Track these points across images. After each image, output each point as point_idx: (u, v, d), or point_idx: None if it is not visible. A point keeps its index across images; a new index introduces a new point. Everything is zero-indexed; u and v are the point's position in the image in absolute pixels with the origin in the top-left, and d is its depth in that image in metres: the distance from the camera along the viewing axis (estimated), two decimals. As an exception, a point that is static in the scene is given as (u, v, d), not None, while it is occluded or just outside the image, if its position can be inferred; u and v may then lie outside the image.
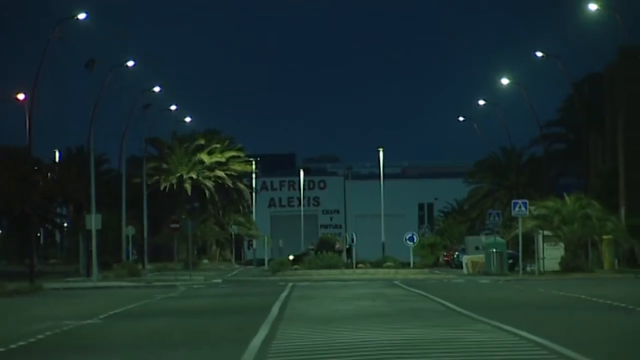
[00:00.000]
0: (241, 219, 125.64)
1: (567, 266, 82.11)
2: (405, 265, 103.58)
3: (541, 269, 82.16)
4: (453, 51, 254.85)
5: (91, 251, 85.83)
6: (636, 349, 24.84)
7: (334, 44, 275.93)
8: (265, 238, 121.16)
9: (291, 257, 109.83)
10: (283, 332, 30.72)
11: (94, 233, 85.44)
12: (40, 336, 31.00)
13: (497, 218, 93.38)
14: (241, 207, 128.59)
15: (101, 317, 39.21)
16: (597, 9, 77.97)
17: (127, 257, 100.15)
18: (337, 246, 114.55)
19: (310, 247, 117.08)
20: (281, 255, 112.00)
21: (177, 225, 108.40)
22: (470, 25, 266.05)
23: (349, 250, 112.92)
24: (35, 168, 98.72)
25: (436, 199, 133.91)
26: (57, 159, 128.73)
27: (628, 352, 23.94)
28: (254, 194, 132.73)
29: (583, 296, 47.75)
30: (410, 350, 24.78)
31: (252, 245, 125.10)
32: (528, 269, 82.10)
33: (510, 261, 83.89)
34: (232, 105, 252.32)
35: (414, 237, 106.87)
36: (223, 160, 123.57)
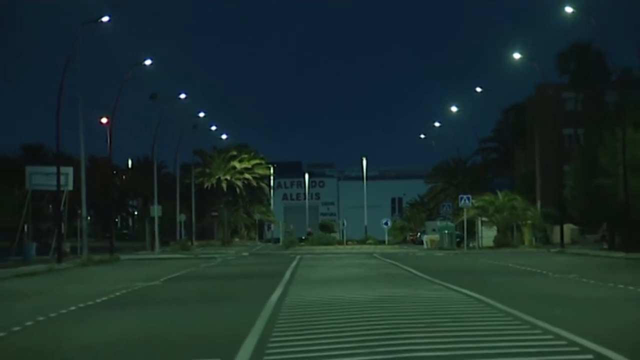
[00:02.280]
0: (263, 209, 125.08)
1: (499, 243, 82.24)
2: (382, 242, 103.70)
3: (480, 245, 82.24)
4: (419, 85, 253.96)
5: (154, 232, 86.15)
6: (540, 301, 24.83)
7: (329, 73, 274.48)
8: (280, 223, 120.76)
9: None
10: (293, 291, 30.64)
11: (156, 219, 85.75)
12: (118, 293, 30.99)
13: (448, 208, 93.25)
14: (263, 200, 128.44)
15: (161, 279, 39.16)
16: (521, 57, 77.93)
17: (180, 236, 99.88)
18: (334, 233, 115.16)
19: (308, 230, 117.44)
20: (292, 235, 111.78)
21: (216, 214, 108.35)
22: (428, 66, 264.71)
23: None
24: (114, 172, 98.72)
25: (404, 194, 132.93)
26: (129, 165, 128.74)
27: (535, 303, 23.95)
28: (271, 191, 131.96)
29: (510, 264, 47.66)
30: (385, 303, 24.72)
31: (270, 228, 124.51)
32: (471, 245, 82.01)
33: (458, 239, 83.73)
34: (255, 123, 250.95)
35: (388, 222, 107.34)
36: (249, 166, 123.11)
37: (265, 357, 15.02)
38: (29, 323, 21.52)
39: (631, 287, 29.58)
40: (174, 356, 15.33)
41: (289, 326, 19.62)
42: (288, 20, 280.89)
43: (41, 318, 22.64)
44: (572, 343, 16.01)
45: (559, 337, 16.90)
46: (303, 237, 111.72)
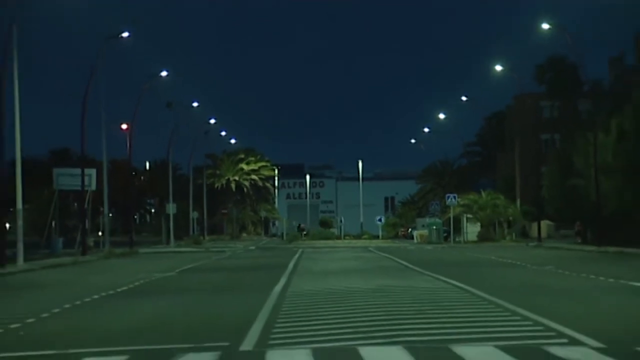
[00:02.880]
0: (268, 207, 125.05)
1: (482, 237, 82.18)
2: (376, 237, 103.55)
3: (465, 240, 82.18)
4: (412, 92, 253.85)
5: (169, 228, 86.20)
6: (520, 291, 24.81)
7: (329, 81, 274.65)
8: (284, 219, 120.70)
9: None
10: (296, 281, 30.64)
11: (171, 216, 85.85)
12: (137, 283, 31.00)
13: (436, 206, 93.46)
14: (268, 199, 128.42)
15: (176, 271, 39.16)
16: (502, 69, 77.96)
17: (193, 232, 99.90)
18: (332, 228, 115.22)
19: (302, 226, 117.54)
20: (294, 231, 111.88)
21: (225, 211, 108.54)
22: (420, 74, 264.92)
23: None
24: (133, 174, 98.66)
25: (397, 193, 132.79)
26: (147, 167, 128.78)
27: (515, 292, 23.96)
28: (276, 191, 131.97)
29: (492, 257, 47.70)
30: (380, 292, 24.73)
31: (275, 224, 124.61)
32: (457, 239, 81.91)
33: (445, 234, 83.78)
34: (260, 127, 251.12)
35: (382, 219, 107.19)
36: (256, 168, 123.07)
37: (271, 342, 15.04)
38: (55, 310, 21.54)
39: (602, 278, 29.63)
40: (188, 340, 15.35)
41: (292, 313, 19.64)
42: (291, 35, 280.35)
43: (67, 306, 22.67)
44: (548, 329, 16.05)
45: (537, 323, 16.94)
46: (305, 232, 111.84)
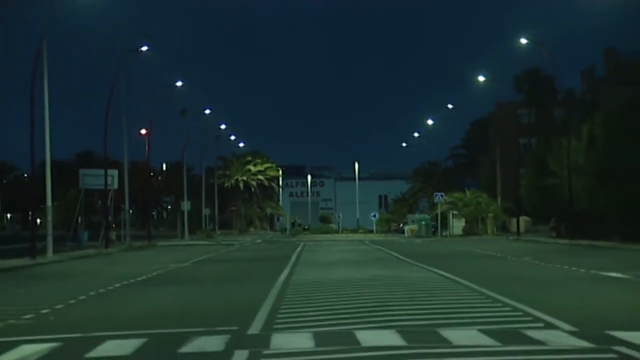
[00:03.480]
0: (273, 204, 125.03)
1: (467, 232, 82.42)
2: (370, 231, 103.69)
3: (451, 234, 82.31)
4: (405, 98, 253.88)
5: (184, 223, 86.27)
6: (501, 280, 24.84)
7: (328, 88, 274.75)
8: (287, 215, 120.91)
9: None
10: (298, 271, 30.67)
11: (186, 212, 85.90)
12: (155, 273, 31.02)
13: (425, 203, 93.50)
14: (273, 197, 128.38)
15: (190, 262, 39.17)
16: (484, 80, 78.01)
17: (205, 227, 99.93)
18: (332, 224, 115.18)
19: (292, 220, 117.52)
20: (297, 226, 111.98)
21: (235, 208, 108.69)
22: (412, 83, 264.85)
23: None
24: (152, 174, 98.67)
25: (389, 192, 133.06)
26: (163, 168, 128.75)
27: (496, 281, 23.96)
28: (280, 189, 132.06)
29: (476, 250, 47.71)
30: (374, 282, 24.74)
31: (279, 219, 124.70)
32: (443, 233, 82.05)
33: (433, 229, 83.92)
34: (266, 130, 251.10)
35: (376, 215, 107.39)
36: (262, 169, 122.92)
37: (275, 326, 15.04)
38: (81, 297, 21.56)
39: (574, 268, 29.66)
40: (201, 325, 15.36)
41: (295, 301, 19.64)
42: (294, 49, 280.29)
43: (92, 293, 22.68)
44: (526, 314, 16.06)
45: (516, 309, 16.95)
46: (306, 227, 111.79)
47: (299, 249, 53.99)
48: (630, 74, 59.27)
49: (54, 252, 44.25)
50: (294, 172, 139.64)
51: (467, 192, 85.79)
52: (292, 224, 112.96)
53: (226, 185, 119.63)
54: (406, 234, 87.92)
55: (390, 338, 13.19)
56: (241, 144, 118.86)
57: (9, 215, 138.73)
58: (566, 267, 30.71)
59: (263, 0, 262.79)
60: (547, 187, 63.88)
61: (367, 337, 13.27)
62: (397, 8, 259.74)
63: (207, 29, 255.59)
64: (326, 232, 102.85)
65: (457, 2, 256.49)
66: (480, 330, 13.87)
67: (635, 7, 42.29)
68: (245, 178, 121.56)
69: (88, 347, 12.92)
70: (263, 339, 13.36)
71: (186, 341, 13.25)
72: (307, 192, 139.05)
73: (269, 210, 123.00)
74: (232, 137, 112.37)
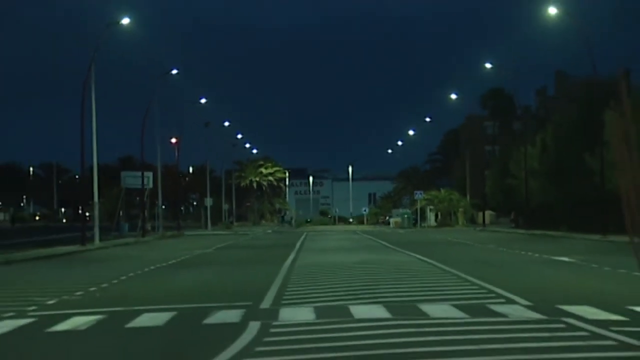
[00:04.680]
0: (281, 201, 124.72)
1: (441, 223, 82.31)
2: (362, 223, 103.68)
3: (428, 225, 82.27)
4: (392, 110, 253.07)
5: (207, 216, 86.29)
6: (469, 263, 24.82)
7: (328, 105, 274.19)
8: (293, 210, 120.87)
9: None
10: (301, 256, 30.62)
11: (208, 207, 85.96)
12: (183, 257, 30.96)
13: (407, 200, 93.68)
14: (280, 195, 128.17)
15: (213, 248, 39.11)
16: (456, 97, 77.96)
17: (225, 219, 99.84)
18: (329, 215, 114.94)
19: (285, 215, 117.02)
20: (300, 218, 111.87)
21: (249, 204, 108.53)
22: (398, 96, 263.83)
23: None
24: (180, 175, 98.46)
25: (378, 190, 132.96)
26: (190, 171, 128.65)
27: (465, 264, 23.96)
28: (287, 188, 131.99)
29: (449, 238, 47.69)
30: (364, 265, 24.68)
31: (286, 213, 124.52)
32: (422, 225, 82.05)
33: (413, 221, 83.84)
34: (276, 139, 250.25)
35: (367, 209, 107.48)
36: (272, 171, 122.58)
37: (283, 302, 15.01)
38: (122, 277, 21.54)
39: (530, 253, 29.65)
40: (221, 300, 15.34)
41: (299, 280, 19.63)
42: (296, 72, 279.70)
43: (131, 274, 22.66)
44: (490, 292, 16.04)
45: (482, 287, 16.93)
46: (308, 220, 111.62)
47: (302, 237, 53.86)
48: (576, 93, 59.25)
49: (100, 240, 44.21)
50: (298, 174, 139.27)
51: (442, 191, 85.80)
52: (283, 218, 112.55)
53: (242, 185, 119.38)
54: (391, 225, 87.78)
55: (378, 311, 13.17)
56: (254, 151, 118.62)
57: (63, 209, 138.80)
58: (523, 252, 30.71)
59: (272, 36, 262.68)
60: (508, 186, 63.97)
61: (359, 311, 13.26)
62: (388, 40, 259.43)
63: (227, 55, 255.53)
64: (325, 224, 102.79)
65: (435, 35, 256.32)
66: (452, 304, 13.85)
67: (581, 36, 42.46)
68: (257, 179, 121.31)
69: (128, 319, 12.91)
70: (273, 312, 13.34)
71: (209, 314, 13.23)
72: (309, 190, 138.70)
73: (277, 206, 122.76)
74: (247, 145, 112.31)
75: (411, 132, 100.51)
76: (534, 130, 64.83)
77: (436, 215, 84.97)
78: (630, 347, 9.22)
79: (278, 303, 14.77)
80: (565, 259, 26.27)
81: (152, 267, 25.37)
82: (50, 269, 26.39)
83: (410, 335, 10.51)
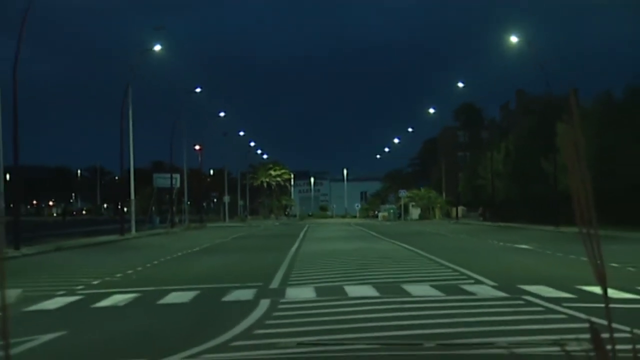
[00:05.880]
0: (287, 198, 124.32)
1: (422, 217, 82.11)
2: (354, 217, 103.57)
3: (411, 219, 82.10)
4: (381, 120, 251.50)
5: (225, 211, 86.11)
6: (444, 250, 24.78)
7: (327, 117, 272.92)
8: (297, 206, 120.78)
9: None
10: (304, 244, 30.65)
11: (226, 204, 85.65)
12: (205, 245, 30.90)
13: (393, 198, 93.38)
14: (287, 193, 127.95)
15: (230, 238, 39.03)
16: (434, 112, 77.99)
17: (240, 213, 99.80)
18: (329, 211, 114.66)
19: (290, 210, 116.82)
20: (303, 213, 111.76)
21: (260, 201, 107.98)
22: (387, 108, 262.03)
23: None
24: (203, 177, 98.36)
25: (368, 190, 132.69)
26: (211, 173, 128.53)
27: (441, 251, 23.94)
28: (292, 188, 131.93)
29: (427, 229, 47.60)
30: (357, 251, 24.64)
31: (291, 209, 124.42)
32: (405, 218, 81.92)
33: (398, 215, 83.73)
34: (283, 145, 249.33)
35: (359, 205, 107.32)
36: (279, 173, 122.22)
37: (289, 282, 15.01)
38: (155, 262, 21.54)
39: (495, 242, 29.63)
40: (237, 281, 15.33)
41: (302, 265, 19.62)
42: (300, 91, 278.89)
43: (162, 259, 22.66)
44: (462, 274, 16.03)
45: (455, 270, 16.92)
46: (310, 214, 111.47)
47: (305, 229, 53.80)
48: (533, 107, 59.33)
49: (136, 231, 44.22)
50: (302, 176, 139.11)
51: (422, 190, 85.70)
52: (288, 213, 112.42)
53: (254, 184, 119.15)
54: (379, 219, 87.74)
55: (368, 291, 13.17)
56: (265, 156, 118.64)
57: (105, 205, 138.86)
58: (489, 241, 30.70)
59: (282, 63, 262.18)
60: (477, 186, 63.98)
61: (352, 290, 13.26)
62: (378, 64, 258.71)
63: (243, 76, 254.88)
64: (325, 217, 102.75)
65: (417, 60, 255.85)
66: (430, 285, 13.85)
67: (537, 60, 42.48)
68: (267, 180, 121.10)
69: (159, 297, 12.92)
70: (280, 291, 13.34)
71: (227, 293, 13.23)
72: (311, 189, 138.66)
73: (284, 202, 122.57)
74: (259, 151, 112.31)
75: (396, 140, 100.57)
76: (498, 139, 64.81)
77: (420, 210, 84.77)
78: (577, 319, 9.23)
79: (285, 283, 14.77)
80: (525, 246, 26.27)
81: (179, 254, 25.37)
82: (95, 255, 26.41)
83: (395, 311, 10.53)
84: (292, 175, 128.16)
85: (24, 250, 26.85)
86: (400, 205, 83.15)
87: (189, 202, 78.08)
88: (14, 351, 7.73)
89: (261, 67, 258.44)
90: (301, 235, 41.49)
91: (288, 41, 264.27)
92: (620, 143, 37.50)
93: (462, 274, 16.08)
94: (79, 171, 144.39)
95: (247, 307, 11.22)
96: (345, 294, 12.78)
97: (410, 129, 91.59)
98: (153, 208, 63.73)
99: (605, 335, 2.00)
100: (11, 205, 29.93)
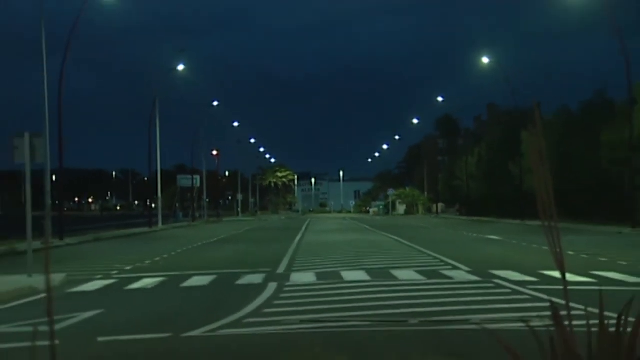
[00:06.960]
0: (291, 196, 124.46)
1: (407, 212, 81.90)
2: (349, 212, 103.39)
3: (397, 214, 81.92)
4: (370, 132, 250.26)
5: (239, 207, 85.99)
6: (426, 240, 24.61)
7: (326, 126, 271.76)
8: (300, 203, 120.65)
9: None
10: (306, 236, 30.56)
11: (240, 201, 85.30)
12: (222, 236, 30.81)
13: (382, 196, 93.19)
14: (291, 192, 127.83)
15: (242, 230, 38.88)
16: (418, 122, 77.93)
17: (251, 209, 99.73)
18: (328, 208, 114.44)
19: (294, 206, 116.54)
20: (305, 209, 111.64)
21: (269, 198, 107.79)
22: (378, 117, 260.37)
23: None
24: (219, 178, 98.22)
25: (361, 189, 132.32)
26: (226, 174, 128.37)
27: (424, 241, 23.74)
28: (296, 187, 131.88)
29: (412, 223, 47.48)
30: (352, 242, 24.57)
31: (295, 205, 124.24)
32: (393, 213, 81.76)
33: (387, 211, 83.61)
34: (288, 149, 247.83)
35: (353, 202, 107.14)
36: (285, 175, 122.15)
37: (293, 268, 15.00)
38: (179, 250, 21.53)
39: (470, 234, 29.57)
40: (248, 267, 15.33)
41: (305, 253, 19.60)
42: (304, 101, 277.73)
43: (185, 248, 22.65)
44: (442, 261, 16.02)
45: (435, 258, 16.91)
46: (311, 210, 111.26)
47: (307, 222, 53.60)
48: (502, 119, 59.42)
49: (162, 224, 44.14)
50: (304, 177, 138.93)
51: (407, 189, 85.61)
52: (292, 209, 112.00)
53: (264, 184, 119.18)
54: (370, 214, 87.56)
55: (361, 275, 13.17)
56: (272, 159, 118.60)
57: (136, 202, 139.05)
58: (465, 233, 30.66)
59: (288, 80, 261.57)
60: (454, 186, 63.96)
61: (347, 275, 13.26)
62: (370, 80, 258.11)
63: (255, 90, 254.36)
64: (324, 212, 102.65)
65: (403, 76, 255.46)
66: (415, 270, 13.85)
67: (505, 78, 42.69)
68: (274, 180, 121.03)
69: (182, 280, 12.93)
70: (285, 276, 13.34)
71: (240, 277, 13.23)
72: (312, 189, 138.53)
73: (289, 200, 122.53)
74: (267, 156, 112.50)
75: (385, 146, 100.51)
76: (472, 145, 64.81)
77: (406, 206, 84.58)
78: (540, 299, 9.25)
79: (290, 269, 14.76)
80: (495, 237, 26.24)
81: (199, 244, 25.36)
82: (127, 244, 26.38)
83: (384, 292, 10.53)
84: (296, 177, 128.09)
85: (68, 240, 26.91)
86: (389, 202, 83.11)
87: (207, 200, 77.97)
88: (59, 326, 7.86)
89: (271, 83, 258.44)
90: (303, 228, 41.30)
91: (294, 61, 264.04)
92: (577, 150, 37.70)
93: (442, 261, 16.08)
94: (114, 173, 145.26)
95: (257, 289, 11.22)
96: (342, 278, 12.78)
97: (397, 137, 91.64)
98: (177, 204, 63.73)
99: (563, 313, 2.01)
100: (56, 202, 30.01)
